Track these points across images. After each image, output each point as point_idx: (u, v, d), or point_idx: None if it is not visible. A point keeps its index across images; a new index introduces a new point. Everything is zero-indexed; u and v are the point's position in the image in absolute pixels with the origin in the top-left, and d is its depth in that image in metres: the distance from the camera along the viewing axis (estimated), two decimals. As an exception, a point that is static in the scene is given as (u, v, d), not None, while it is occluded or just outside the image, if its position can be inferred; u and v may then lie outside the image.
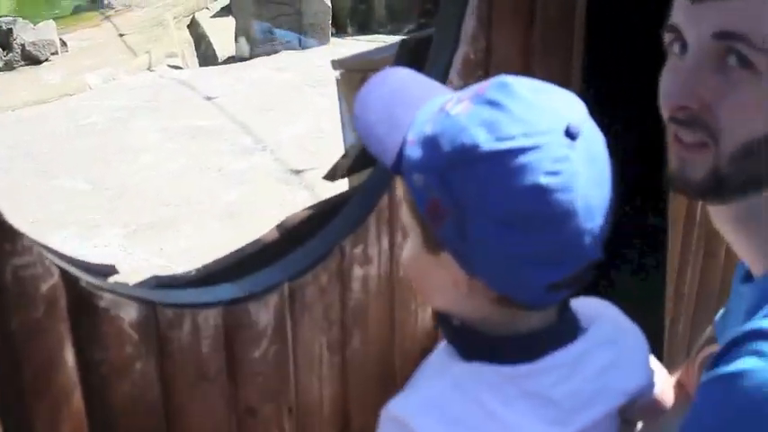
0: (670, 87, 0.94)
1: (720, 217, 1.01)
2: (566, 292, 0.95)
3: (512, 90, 0.89)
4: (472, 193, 0.87)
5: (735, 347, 0.84)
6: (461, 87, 1.65)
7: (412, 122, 0.95)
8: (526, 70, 1.76)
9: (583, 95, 1.02)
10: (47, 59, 9.99)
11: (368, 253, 1.57)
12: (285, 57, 9.53)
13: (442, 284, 0.96)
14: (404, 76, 1.05)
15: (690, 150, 0.93)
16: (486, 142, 0.86)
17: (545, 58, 1.79)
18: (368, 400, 1.68)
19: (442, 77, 1.63)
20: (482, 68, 1.69)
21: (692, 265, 2.46)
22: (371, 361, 1.67)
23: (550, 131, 0.86)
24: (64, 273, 1.14)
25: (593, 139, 0.90)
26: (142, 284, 1.39)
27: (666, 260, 2.13)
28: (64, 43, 10.41)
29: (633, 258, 2.07)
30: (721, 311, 1.17)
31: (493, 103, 0.89)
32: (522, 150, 0.85)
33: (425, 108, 0.97)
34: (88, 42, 10.61)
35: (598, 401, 0.99)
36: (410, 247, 1.01)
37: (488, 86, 0.92)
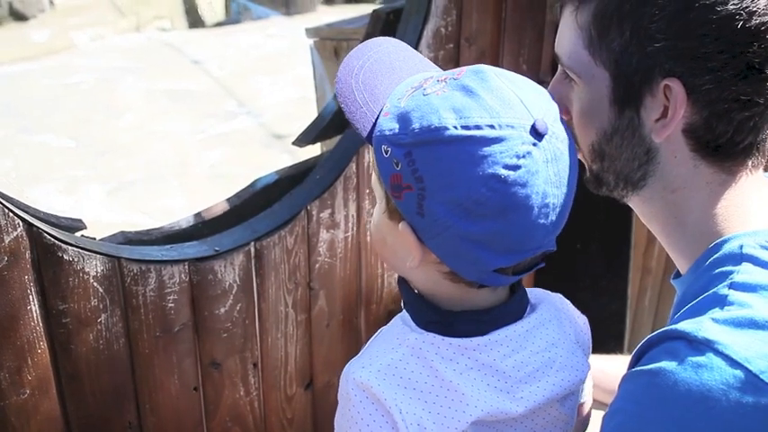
0: None
1: (644, 218, 1.11)
2: (514, 278, 0.99)
3: (487, 78, 0.92)
4: (433, 174, 0.90)
5: (651, 348, 0.93)
6: (431, 59, 1.68)
7: (390, 95, 0.98)
8: (497, 45, 1.79)
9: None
10: (34, 17, 9.90)
11: (335, 218, 1.61)
12: (274, 23, 9.48)
13: (399, 252, 1.00)
14: (392, 48, 1.06)
15: (580, 153, 1.07)
16: (454, 127, 0.89)
17: (516, 34, 1.81)
18: (332, 358, 1.73)
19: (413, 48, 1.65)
20: (452, 41, 1.71)
21: (658, 241, 2.50)
22: (337, 322, 1.71)
23: (517, 126, 0.89)
24: (28, 225, 1.16)
25: (560, 140, 0.92)
26: (109, 239, 1.41)
27: (631, 234, 2.18)
28: (51, 1, 10.31)
29: (599, 234, 2.11)
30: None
31: (466, 89, 0.91)
32: (487, 140, 0.88)
33: (406, 82, 0.99)
34: (76, 1, 10.50)
35: (546, 374, 1.03)
36: (376, 213, 1.04)
37: (466, 72, 0.94)
